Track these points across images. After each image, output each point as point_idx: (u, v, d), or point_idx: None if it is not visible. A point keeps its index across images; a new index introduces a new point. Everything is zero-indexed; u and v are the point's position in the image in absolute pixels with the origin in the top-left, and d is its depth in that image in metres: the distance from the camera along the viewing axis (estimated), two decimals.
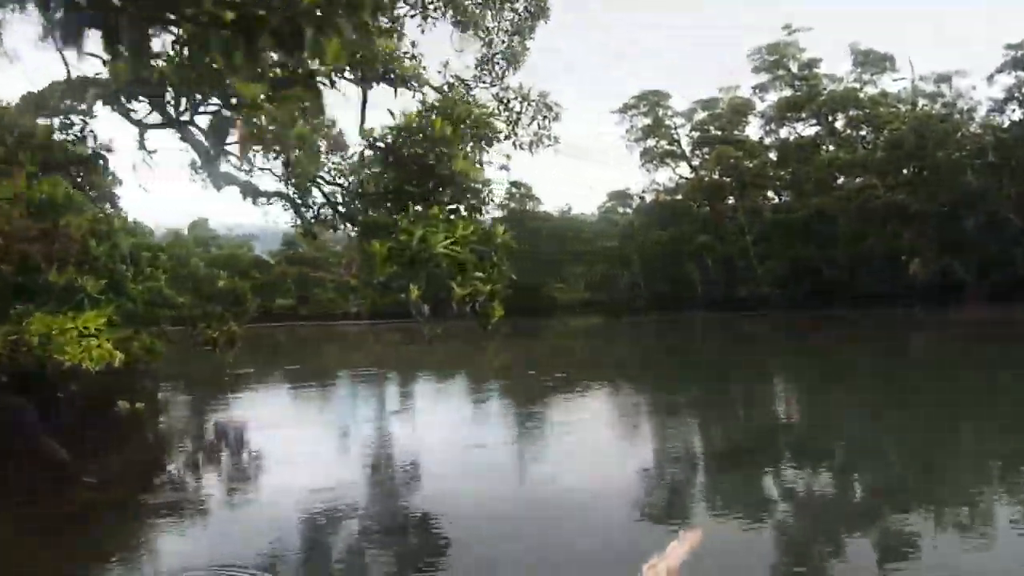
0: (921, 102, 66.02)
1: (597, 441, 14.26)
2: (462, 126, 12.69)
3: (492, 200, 15.04)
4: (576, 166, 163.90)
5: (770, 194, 74.64)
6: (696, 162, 77.21)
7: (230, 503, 10.65)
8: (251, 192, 10.66)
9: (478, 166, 7.30)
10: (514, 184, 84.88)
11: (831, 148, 68.75)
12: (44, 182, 14.76)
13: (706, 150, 74.23)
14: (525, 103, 16.90)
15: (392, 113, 8.97)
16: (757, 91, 73.49)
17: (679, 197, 77.34)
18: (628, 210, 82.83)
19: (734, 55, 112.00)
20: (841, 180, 67.74)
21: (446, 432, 15.70)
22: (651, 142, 78.17)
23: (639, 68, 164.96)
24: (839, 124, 70.20)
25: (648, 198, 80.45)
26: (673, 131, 78.12)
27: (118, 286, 15.03)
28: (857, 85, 68.95)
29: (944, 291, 55.03)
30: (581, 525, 8.88)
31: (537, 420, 16.42)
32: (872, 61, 68.03)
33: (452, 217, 7.37)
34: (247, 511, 10.22)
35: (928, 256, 59.72)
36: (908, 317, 47.81)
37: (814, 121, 70.98)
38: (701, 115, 76.55)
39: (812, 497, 10.19)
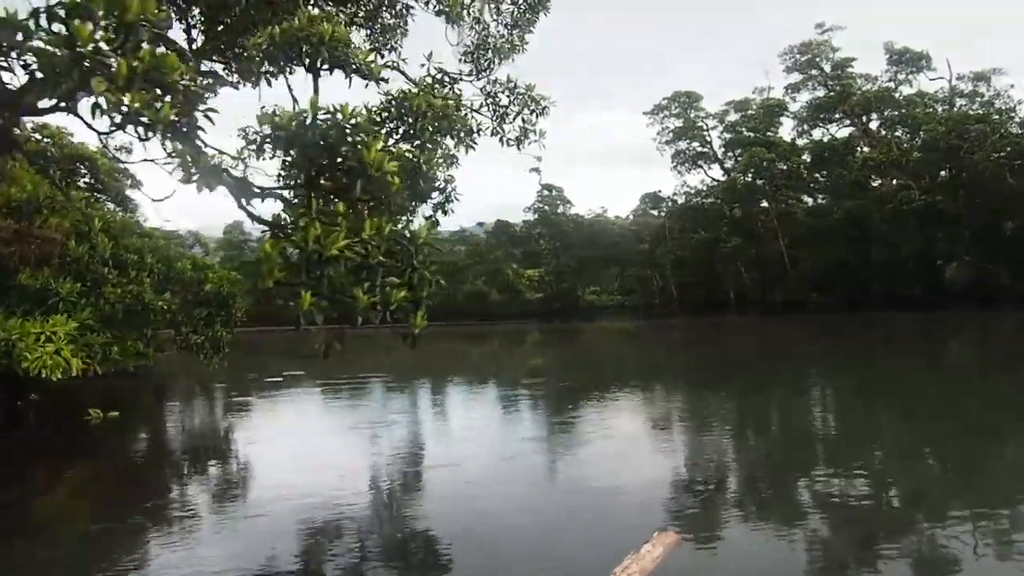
0: (958, 102, 64.55)
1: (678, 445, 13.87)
2: (423, 119, 12.25)
3: (456, 199, 14.74)
4: (610, 168, 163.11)
5: (804, 196, 73.24)
6: (728, 164, 76.43)
7: (152, 537, 8.97)
8: (244, 192, 10.30)
9: (387, 157, 6.78)
10: (546, 187, 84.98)
11: (865, 149, 67.33)
12: (27, 180, 14.81)
13: (738, 152, 73.30)
14: (512, 97, 16.51)
15: (294, 96, 8.76)
16: (789, 91, 72.48)
17: (712, 199, 76.50)
18: (660, 213, 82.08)
19: (767, 55, 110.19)
20: (877, 183, 66.40)
21: (426, 445, 15.26)
22: (683, 144, 77.68)
23: (672, 69, 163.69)
24: (873, 125, 68.86)
25: (680, 200, 79.72)
26: (705, 133, 77.48)
27: (95, 289, 14.97)
28: (892, 85, 67.59)
29: (980, 295, 53.61)
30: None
31: (575, 429, 15.69)
32: (907, 60, 66.61)
33: (372, 215, 6.96)
34: (174, 554, 8.48)
35: (965, 260, 58.34)
36: (944, 321, 46.61)
37: (848, 122, 69.79)
38: (733, 116, 75.78)
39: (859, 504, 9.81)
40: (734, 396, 19.71)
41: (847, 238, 63.41)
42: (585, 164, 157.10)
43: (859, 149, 68.39)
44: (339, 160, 6.76)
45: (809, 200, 73.65)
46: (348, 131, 6.72)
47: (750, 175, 71.56)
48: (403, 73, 15.72)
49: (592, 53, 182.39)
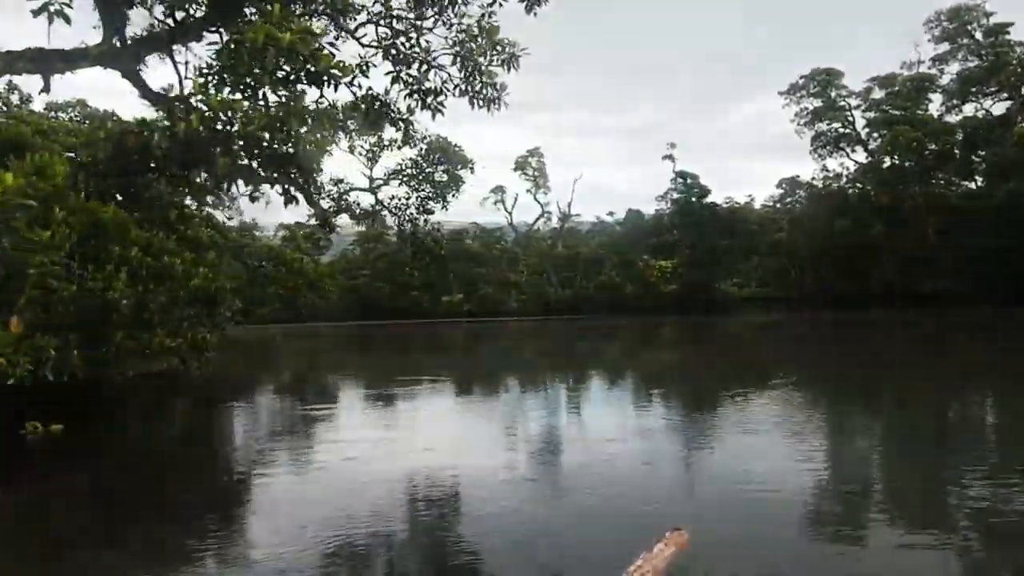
0: None
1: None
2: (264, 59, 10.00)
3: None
4: (751, 156, 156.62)
5: (957, 178, 67.01)
6: (873, 145, 71.10)
7: None
8: (256, 181, 10.00)
9: None
10: (679, 174, 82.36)
11: None
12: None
13: (884, 132, 68.01)
14: (482, 46, 14.35)
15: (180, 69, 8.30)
16: (937, 63, 66.33)
17: (854, 184, 71.51)
18: (799, 200, 77.71)
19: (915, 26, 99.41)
20: None
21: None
22: (823, 125, 73.17)
23: (809, 46, 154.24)
24: None
25: (819, 186, 75.00)
26: (847, 112, 72.48)
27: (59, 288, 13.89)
28: None
29: None
30: None
31: (721, 441, 14.19)
32: None
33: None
34: None
35: None
36: None
37: (1004, 95, 63.08)
38: (878, 94, 70.24)
39: None
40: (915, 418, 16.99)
41: (1005, 222, 57.48)
42: (727, 152, 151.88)
43: (1017, 124, 61.67)
44: None
45: (965, 183, 67.30)
46: None
47: (896, 157, 66.31)
48: (345, 29, 14.18)
49: (738, 37, 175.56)
